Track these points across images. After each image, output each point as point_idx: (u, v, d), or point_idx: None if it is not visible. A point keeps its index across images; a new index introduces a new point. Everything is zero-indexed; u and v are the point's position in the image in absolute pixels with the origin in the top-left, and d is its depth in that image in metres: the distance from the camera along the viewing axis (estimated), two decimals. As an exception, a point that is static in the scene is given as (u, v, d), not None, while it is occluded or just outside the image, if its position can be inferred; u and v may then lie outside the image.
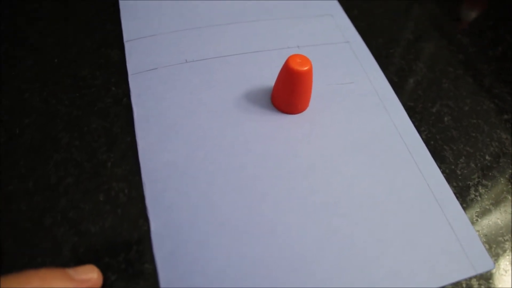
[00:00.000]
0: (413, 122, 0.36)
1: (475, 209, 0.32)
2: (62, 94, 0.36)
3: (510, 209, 0.33)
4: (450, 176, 0.34)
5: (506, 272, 0.30)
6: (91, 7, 0.43)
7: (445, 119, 0.38)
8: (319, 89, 0.37)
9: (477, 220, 0.32)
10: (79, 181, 0.31)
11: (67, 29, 0.41)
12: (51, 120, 0.34)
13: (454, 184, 0.33)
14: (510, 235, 0.31)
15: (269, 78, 0.37)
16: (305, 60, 0.32)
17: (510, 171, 0.35)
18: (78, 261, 0.28)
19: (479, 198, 0.33)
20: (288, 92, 0.33)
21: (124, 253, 0.28)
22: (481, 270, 0.29)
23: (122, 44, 0.40)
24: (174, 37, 0.40)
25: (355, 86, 0.38)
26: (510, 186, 0.34)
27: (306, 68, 0.32)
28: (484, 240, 0.31)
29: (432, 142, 0.36)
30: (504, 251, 0.31)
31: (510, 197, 0.33)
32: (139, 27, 0.40)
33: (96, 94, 0.36)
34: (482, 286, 0.29)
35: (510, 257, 0.30)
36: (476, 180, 0.34)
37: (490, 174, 0.35)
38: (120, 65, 0.38)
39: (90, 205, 0.30)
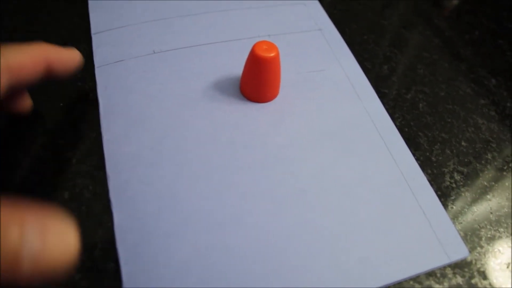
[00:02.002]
0: (387, 109, 0.35)
1: (451, 196, 0.32)
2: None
3: (486, 196, 0.32)
4: (424, 163, 0.33)
5: (481, 259, 0.29)
6: (58, 2, 0.42)
7: (420, 105, 0.37)
8: (290, 77, 0.36)
9: (452, 207, 0.31)
10: (44, 179, 0.30)
11: (34, 24, 0.40)
12: (16, 119, 0.33)
13: (429, 171, 0.33)
14: (486, 222, 0.31)
15: (238, 67, 0.36)
16: (271, 46, 0.31)
17: (486, 156, 0.34)
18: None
19: (454, 185, 0.32)
20: (255, 80, 0.33)
21: (88, 252, 0.28)
22: (455, 258, 0.29)
23: (89, 38, 0.39)
24: (142, 28, 0.39)
25: (327, 74, 0.37)
26: (486, 172, 0.33)
27: (272, 55, 0.31)
28: (459, 228, 0.30)
29: (406, 129, 0.35)
30: (480, 238, 0.30)
31: (486, 183, 0.33)
32: (107, 19, 0.39)
33: (62, 90, 0.35)
34: (457, 275, 0.28)
35: (486, 245, 0.30)
36: (452, 166, 0.33)
37: (466, 160, 0.34)
38: (87, 60, 0.37)
39: (55, 203, 0.29)
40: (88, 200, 0.30)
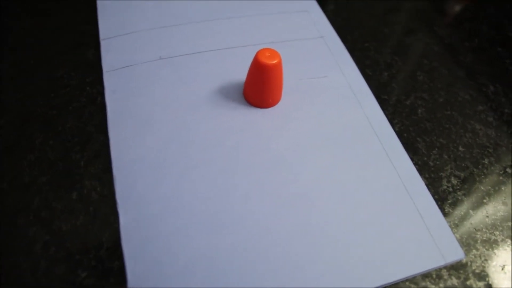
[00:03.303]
0: (386, 115, 0.36)
1: (448, 200, 0.33)
2: (37, 95, 0.36)
3: (483, 200, 0.33)
4: (422, 168, 0.34)
5: (476, 261, 0.30)
6: (68, 7, 0.44)
7: (419, 111, 0.38)
8: (292, 83, 0.37)
9: (449, 211, 0.32)
10: (53, 180, 0.31)
11: (44, 29, 0.41)
12: (26, 121, 0.34)
13: (426, 175, 0.34)
14: (481, 225, 0.31)
15: (242, 73, 0.37)
16: (274, 53, 0.32)
17: (483, 161, 0.35)
18: (48, 258, 0.28)
19: (451, 189, 0.33)
20: (258, 86, 0.34)
21: (95, 251, 0.29)
22: (451, 259, 0.29)
23: (98, 44, 0.40)
24: (150, 35, 0.40)
25: (328, 80, 0.38)
26: (482, 176, 0.34)
27: (275, 62, 0.32)
28: (456, 230, 0.31)
29: (405, 134, 0.36)
30: (476, 241, 0.31)
31: (482, 188, 0.33)
32: (115, 25, 0.41)
33: (71, 94, 0.36)
34: (452, 276, 0.29)
35: (481, 247, 0.30)
36: (449, 171, 0.34)
37: (463, 165, 0.35)
38: (96, 65, 0.38)
39: (63, 204, 0.31)
40: (96, 201, 0.31)
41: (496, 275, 0.29)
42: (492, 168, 0.35)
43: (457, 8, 0.50)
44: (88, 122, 0.35)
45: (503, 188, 0.34)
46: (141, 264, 0.27)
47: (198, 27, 0.41)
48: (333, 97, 0.37)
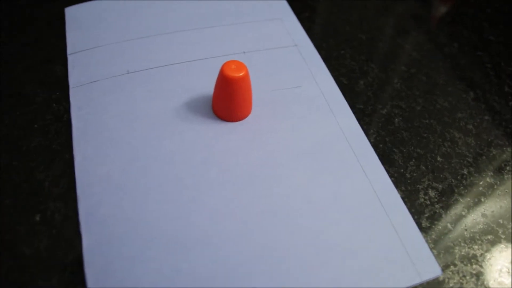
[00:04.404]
0: (362, 125, 0.35)
1: (424, 214, 0.31)
2: (2, 113, 0.35)
3: (461, 212, 0.32)
4: (398, 180, 0.33)
5: (454, 278, 0.29)
6: (37, 23, 0.43)
7: (396, 120, 0.37)
8: (264, 95, 0.36)
9: (426, 225, 0.31)
10: (16, 202, 0.30)
11: (12, 43, 0.40)
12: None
13: (403, 188, 0.32)
14: (460, 240, 0.30)
15: (211, 86, 0.36)
16: (240, 65, 0.31)
17: (462, 172, 0.34)
18: (12, 285, 0.27)
19: (428, 202, 0.32)
20: (226, 100, 0.33)
21: (58, 275, 0.28)
22: (427, 277, 0.28)
23: (66, 59, 0.39)
24: (117, 48, 0.39)
25: (301, 90, 0.37)
26: (461, 187, 0.33)
27: (241, 74, 0.31)
28: (433, 245, 0.30)
29: (381, 145, 0.35)
30: (454, 256, 0.30)
31: (461, 199, 0.32)
32: (83, 39, 0.40)
33: (36, 112, 0.35)
34: (429, 294, 0.28)
35: (459, 263, 0.29)
36: (426, 183, 0.33)
37: (441, 176, 0.33)
38: (63, 81, 0.37)
39: (26, 226, 0.30)
40: (60, 223, 0.30)
41: (474, 292, 0.28)
42: (472, 178, 0.34)
43: (442, 10, 0.49)
44: (53, 140, 0.34)
45: (482, 200, 0.32)
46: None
47: (167, 38, 0.40)
48: (306, 108, 0.36)
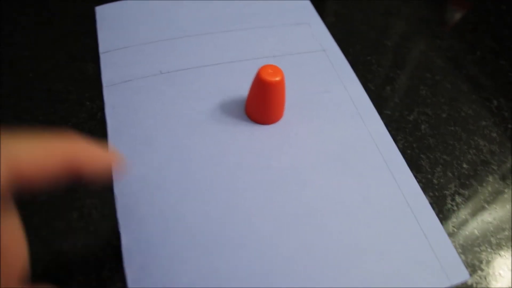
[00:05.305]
0: (390, 131, 0.36)
1: (452, 219, 0.32)
2: (36, 110, 0.35)
3: (487, 218, 0.32)
4: (426, 186, 0.34)
5: (481, 282, 0.29)
6: (66, 20, 0.43)
7: (422, 127, 0.37)
8: (294, 98, 0.37)
9: (453, 230, 0.32)
10: (53, 199, 0.31)
11: (42, 41, 0.41)
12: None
13: (431, 193, 0.33)
14: (487, 245, 0.31)
15: (244, 88, 0.37)
16: (276, 70, 0.32)
17: (488, 178, 0.35)
18: (50, 280, 0.27)
19: (455, 208, 0.33)
20: (261, 103, 0.33)
21: (97, 272, 0.28)
22: (456, 281, 0.29)
23: (97, 57, 0.39)
24: (150, 48, 0.39)
25: (331, 95, 0.37)
26: (487, 194, 0.34)
27: (277, 79, 0.32)
28: (460, 251, 0.31)
29: (408, 151, 0.35)
30: (481, 261, 0.30)
31: (487, 206, 0.33)
32: (115, 39, 0.40)
33: (70, 109, 0.36)
34: (458, 298, 0.29)
35: (486, 268, 0.30)
36: (453, 189, 0.34)
37: (467, 183, 0.34)
38: (95, 79, 0.38)
39: (63, 223, 0.30)
40: (96, 220, 0.30)
41: (502, 297, 0.29)
42: (497, 185, 0.34)
43: (458, 16, 0.50)
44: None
45: (507, 207, 0.33)
46: (143, 285, 0.27)
47: (198, 40, 0.40)
48: (336, 113, 0.36)
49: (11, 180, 0.17)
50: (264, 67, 0.32)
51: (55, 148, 0.19)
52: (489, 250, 0.31)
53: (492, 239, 0.32)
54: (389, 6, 0.49)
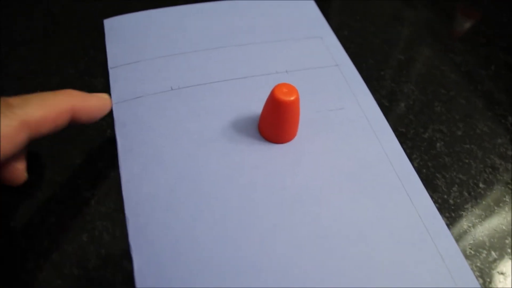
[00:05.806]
0: (405, 149, 0.35)
1: (468, 241, 0.32)
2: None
3: (505, 241, 0.32)
4: (442, 206, 0.33)
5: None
6: (74, 34, 0.42)
7: (438, 145, 0.37)
8: (308, 116, 0.36)
9: (470, 252, 0.31)
10: (62, 221, 0.30)
11: (50, 55, 0.40)
12: (32, 156, 0.33)
13: (447, 214, 0.33)
14: (504, 269, 0.31)
15: (256, 105, 0.36)
16: (291, 89, 0.31)
17: (504, 199, 0.34)
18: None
19: (472, 229, 0.32)
20: (275, 122, 0.33)
21: (108, 297, 0.28)
22: (474, 305, 0.29)
23: (106, 72, 0.39)
24: (160, 63, 0.39)
25: (345, 112, 0.37)
26: (504, 215, 0.33)
27: (292, 98, 0.31)
28: (478, 274, 0.30)
29: (424, 170, 0.35)
30: (499, 285, 0.30)
31: (504, 227, 0.33)
32: (124, 53, 0.39)
33: (78, 127, 0.35)
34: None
35: (505, 292, 0.30)
36: (470, 210, 0.33)
37: (484, 203, 0.34)
38: (104, 94, 0.37)
39: (74, 246, 0.29)
40: (108, 243, 0.30)
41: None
42: (514, 206, 0.34)
43: (467, 25, 0.49)
44: (97, 156, 0.34)
45: (525, 228, 0.33)
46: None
47: (209, 55, 0.40)
48: (350, 131, 0.36)
49: (25, 134, 0.24)
50: (278, 86, 0.31)
51: (58, 103, 0.26)
52: (507, 274, 0.31)
53: (510, 262, 0.31)
54: (400, 18, 0.48)
